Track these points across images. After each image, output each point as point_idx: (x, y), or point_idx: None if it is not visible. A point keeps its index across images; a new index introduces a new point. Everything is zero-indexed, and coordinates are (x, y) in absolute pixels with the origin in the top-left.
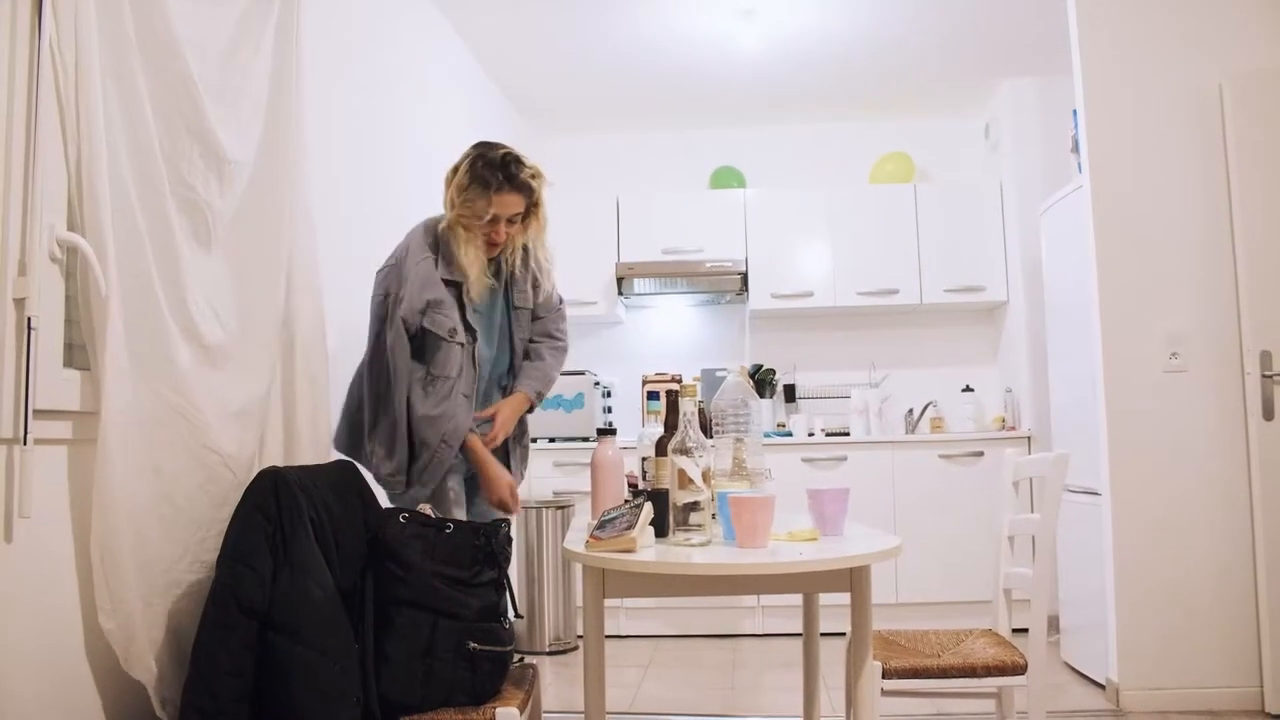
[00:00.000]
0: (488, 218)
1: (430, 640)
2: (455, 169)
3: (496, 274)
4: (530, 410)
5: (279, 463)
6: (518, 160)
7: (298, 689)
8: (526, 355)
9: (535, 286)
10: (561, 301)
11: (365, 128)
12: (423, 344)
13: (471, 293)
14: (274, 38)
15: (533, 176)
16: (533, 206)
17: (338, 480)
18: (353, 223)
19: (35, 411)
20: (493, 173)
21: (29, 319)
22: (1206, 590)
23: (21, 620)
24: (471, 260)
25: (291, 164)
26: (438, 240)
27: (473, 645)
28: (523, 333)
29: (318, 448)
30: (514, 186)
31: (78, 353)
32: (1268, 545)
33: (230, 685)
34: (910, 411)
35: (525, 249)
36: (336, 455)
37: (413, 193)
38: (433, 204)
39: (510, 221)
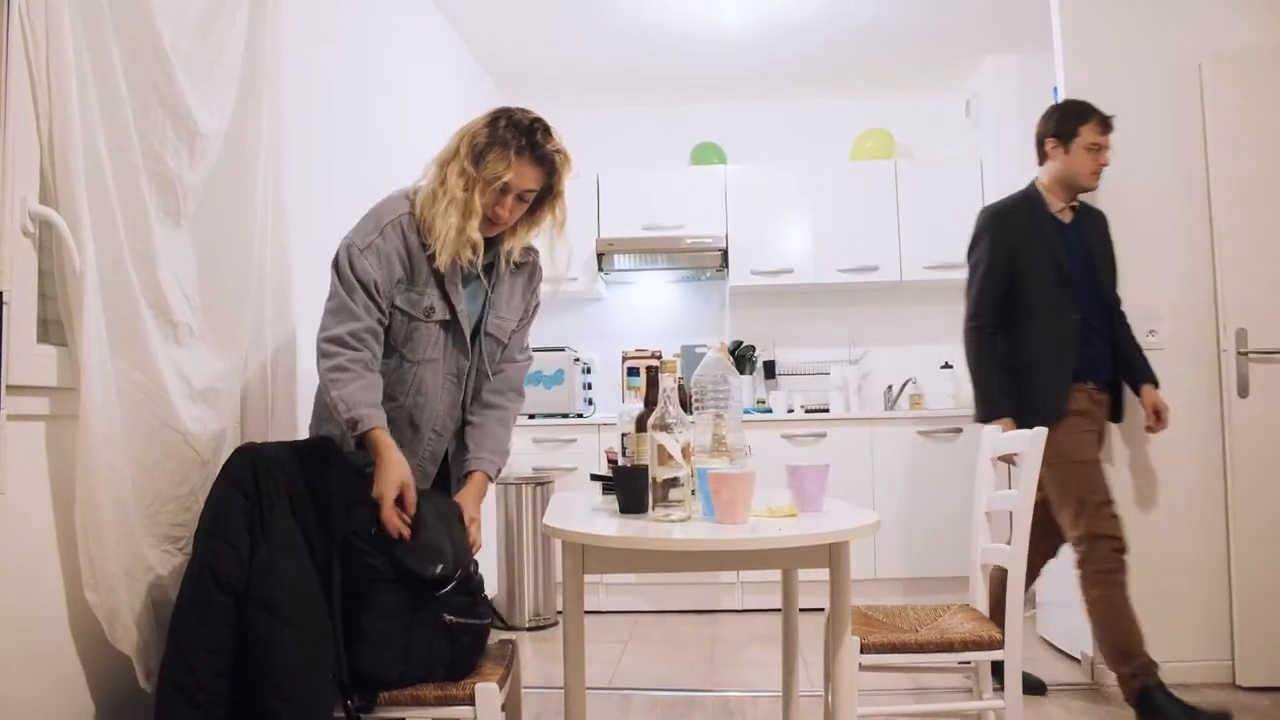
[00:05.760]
0: (498, 185)
1: (408, 615)
2: (465, 132)
3: (486, 271)
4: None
5: (249, 439)
6: (546, 130)
7: (276, 665)
8: (483, 405)
9: (521, 322)
10: (530, 353)
11: (337, 99)
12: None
13: (441, 256)
14: (249, 8)
15: (557, 152)
16: (550, 194)
17: (318, 455)
18: (324, 196)
19: (9, 387)
20: (516, 135)
21: (1, 293)
22: (1180, 565)
23: (2, 595)
24: (453, 225)
25: (266, 138)
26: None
27: (449, 618)
28: (483, 365)
29: (289, 426)
30: (535, 157)
31: (53, 328)
32: (1241, 521)
33: (209, 662)
34: (889, 388)
35: (529, 267)
36: (306, 433)
37: (383, 166)
38: (406, 178)
39: (520, 199)
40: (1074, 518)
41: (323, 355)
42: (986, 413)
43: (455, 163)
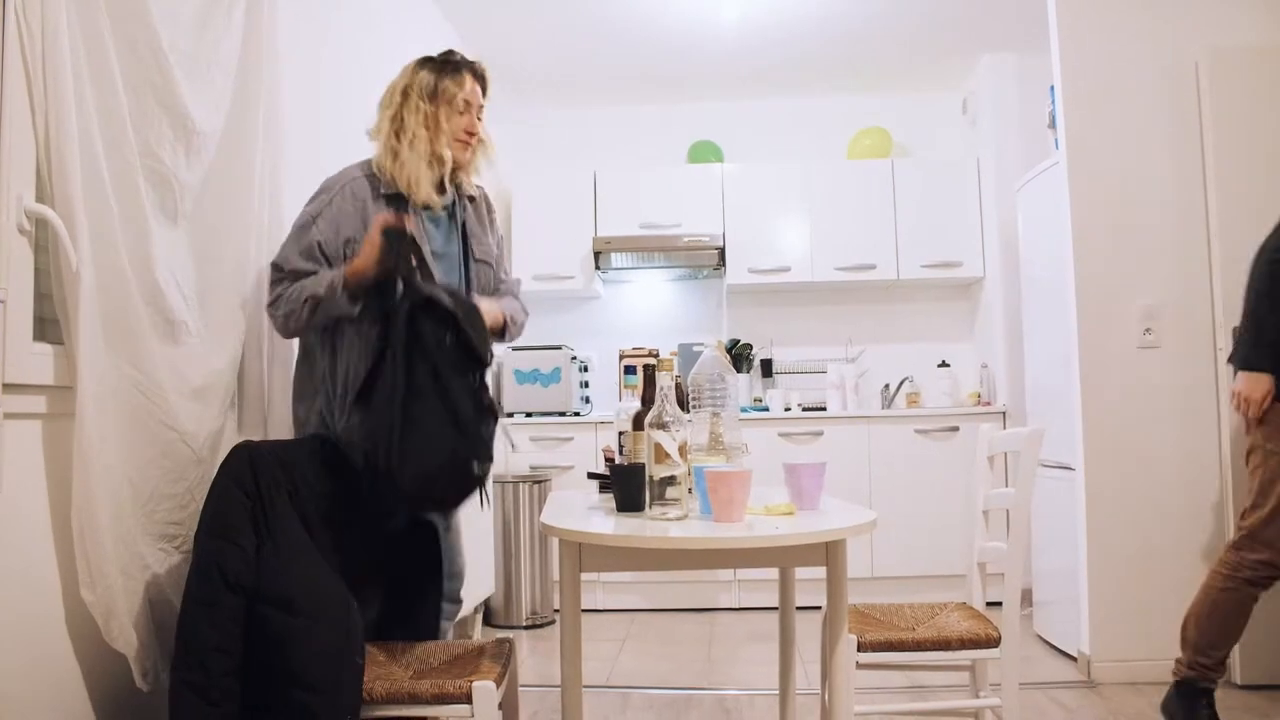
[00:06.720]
0: (460, 102)
1: (455, 409)
2: (403, 86)
3: (449, 213)
4: (501, 337)
5: (246, 437)
6: (459, 55)
7: (297, 658)
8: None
9: (496, 242)
10: (518, 283)
11: (334, 97)
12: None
13: (418, 192)
14: (246, 6)
15: (479, 63)
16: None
17: (317, 452)
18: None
19: (5, 386)
20: (450, 63)
21: None
22: (1178, 564)
23: None
24: (422, 154)
25: (263, 136)
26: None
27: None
28: (485, 289)
29: (285, 424)
30: (473, 73)
31: (49, 326)
32: (1238, 519)
33: (220, 660)
34: (886, 387)
35: (481, 197)
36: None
37: None
38: None
39: (477, 115)
40: (1268, 514)
41: (270, 307)
42: (1253, 357)
43: (408, 106)
